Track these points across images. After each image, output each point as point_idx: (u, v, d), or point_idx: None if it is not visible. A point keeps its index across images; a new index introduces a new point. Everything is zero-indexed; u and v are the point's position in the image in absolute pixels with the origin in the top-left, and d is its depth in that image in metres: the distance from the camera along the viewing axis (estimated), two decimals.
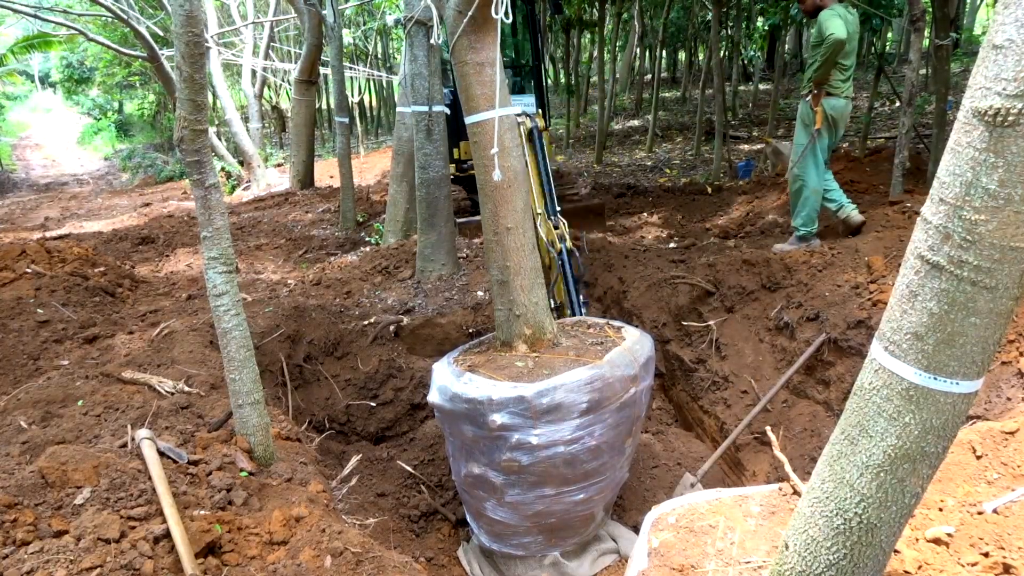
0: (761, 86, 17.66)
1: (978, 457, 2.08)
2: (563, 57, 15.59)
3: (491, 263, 3.23)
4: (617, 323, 3.54)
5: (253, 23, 13.31)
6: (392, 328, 4.63)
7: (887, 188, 5.62)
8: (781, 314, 4.15)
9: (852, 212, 4.89)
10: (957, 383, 1.23)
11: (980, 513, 1.88)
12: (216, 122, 15.82)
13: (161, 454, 2.39)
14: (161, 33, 12.57)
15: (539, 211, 4.11)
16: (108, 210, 11.70)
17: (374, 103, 23.12)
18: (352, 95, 15.46)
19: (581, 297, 4.12)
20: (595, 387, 2.83)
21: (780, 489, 2.15)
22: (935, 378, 1.24)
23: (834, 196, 4.94)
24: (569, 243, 4.03)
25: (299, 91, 10.07)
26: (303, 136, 10.26)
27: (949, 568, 1.74)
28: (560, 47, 18.83)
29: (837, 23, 4.38)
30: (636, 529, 3.06)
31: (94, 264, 5.26)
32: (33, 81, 38.02)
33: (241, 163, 12.04)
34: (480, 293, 4.97)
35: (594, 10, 12.88)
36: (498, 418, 2.80)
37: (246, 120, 12.88)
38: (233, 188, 11.50)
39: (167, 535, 2.03)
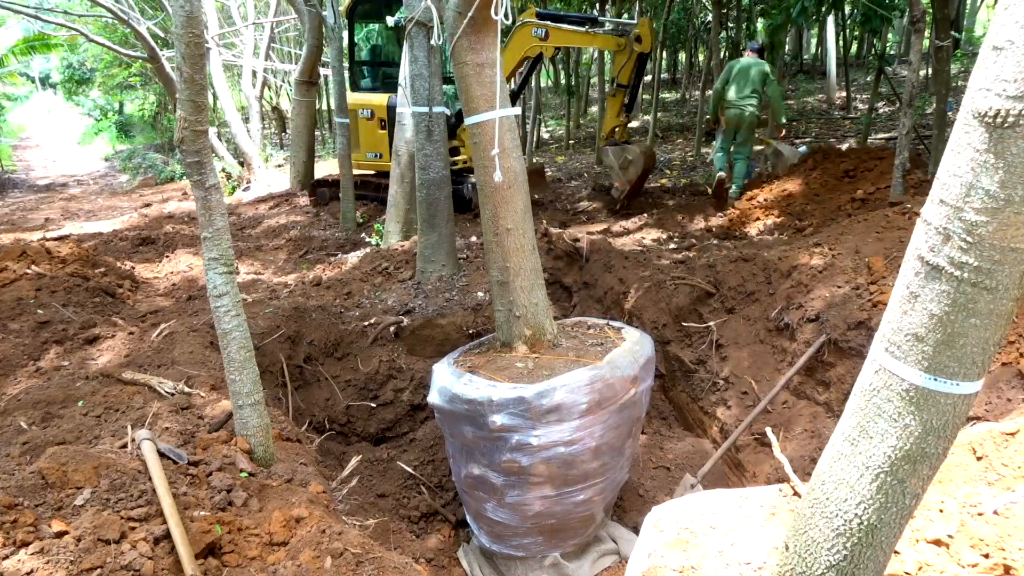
0: None
1: (979, 458, 2.08)
2: (563, 58, 15.59)
3: (491, 264, 3.23)
4: (617, 324, 3.55)
5: (253, 24, 13.33)
6: (392, 329, 4.63)
7: (887, 189, 5.62)
8: (781, 315, 4.15)
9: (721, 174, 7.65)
10: (958, 384, 1.23)
11: (980, 514, 1.87)
12: (216, 123, 15.81)
13: (161, 455, 2.39)
14: (161, 34, 12.57)
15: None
16: (108, 211, 11.69)
17: None
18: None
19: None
20: (595, 388, 2.83)
21: (780, 490, 2.15)
22: (935, 379, 1.23)
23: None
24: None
25: (299, 92, 10.08)
26: (303, 137, 10.27)
27: (950, 569, 1.73)
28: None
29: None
30: (636, 530, 3.06)
31: (94, 265, 5.26)
32: (34, 82, 38.04)
33: (241, 164, 12.04)
34: (480, 294, 4.96)
35: (595, 12, 12.86)
36: (498, 419, 2.80)
37: (246, 121, 12.88)
38: (233, 189, 11.49)
39: (167, 536, 2.03)
